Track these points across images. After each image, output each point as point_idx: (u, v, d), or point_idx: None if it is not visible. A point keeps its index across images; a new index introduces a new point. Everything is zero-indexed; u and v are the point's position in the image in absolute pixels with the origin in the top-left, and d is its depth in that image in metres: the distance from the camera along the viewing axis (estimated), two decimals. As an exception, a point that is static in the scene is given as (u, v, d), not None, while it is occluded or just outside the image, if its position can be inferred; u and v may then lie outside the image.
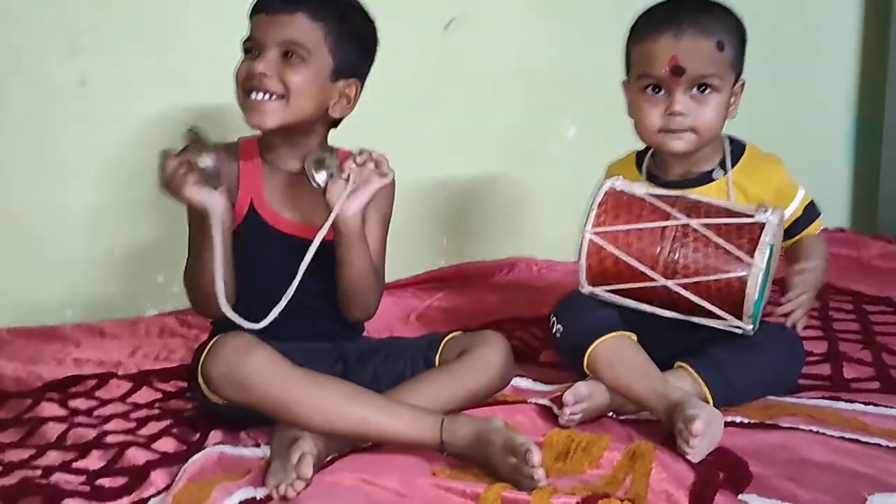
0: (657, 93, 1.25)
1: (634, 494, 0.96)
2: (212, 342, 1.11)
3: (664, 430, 1.09)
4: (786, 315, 1.25)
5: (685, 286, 1.17)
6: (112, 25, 1.65)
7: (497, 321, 1.58)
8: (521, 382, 1.30)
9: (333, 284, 1.24)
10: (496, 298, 1.76)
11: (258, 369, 1.06)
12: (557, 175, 2.08)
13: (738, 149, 1.33)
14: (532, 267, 1.97)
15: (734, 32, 1.27)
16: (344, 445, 1.09)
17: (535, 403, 1.20)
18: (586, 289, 1.23)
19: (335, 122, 1.31)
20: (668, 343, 1.21)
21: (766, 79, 2.40)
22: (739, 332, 1.19)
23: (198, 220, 1.16)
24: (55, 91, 1.63)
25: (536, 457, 0.96)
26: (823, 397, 1.24)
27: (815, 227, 1.34)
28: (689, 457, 1.02)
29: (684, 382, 1.16)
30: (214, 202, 1.13)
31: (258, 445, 1.13)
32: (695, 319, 1.20)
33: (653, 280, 1.19)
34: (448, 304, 1.74)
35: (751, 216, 1.17)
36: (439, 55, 1.97)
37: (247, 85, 1.20)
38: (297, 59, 1.21)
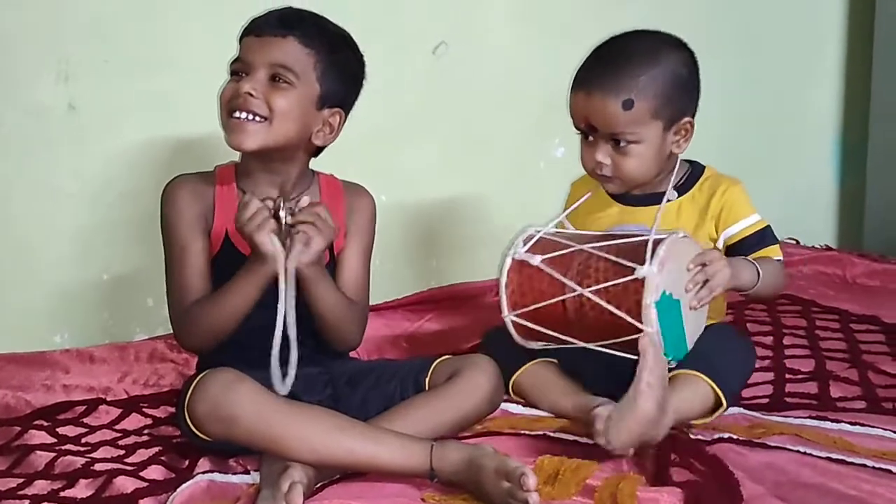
0: (589, 139, 1.31)
1: (623, 517, 0.96)
2: (197, 379, 1.11)
3: (659, 460, 1.09)
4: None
5: (604, 346, 1.21)
6: (101, 50, 1.66)
7: (482, 340, 1.58)
8: (510, 407, 1.29)
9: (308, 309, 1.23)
10: (487, 319, 1.76)
11: (243, 405, 1.06)
12: (546, 195, 2.08)
13: (696, 172, 1.36)
14: (521, 287, 1.98)
15: (655, 83, 1.26)
16: (334, 473, 1.09)
17: (541, 436, 1.19)
18: (531, 345, 1.28)
19: (317, 151, 1.31)
20: (605, 368, 1.23)
21: (750, 98, 2.44)
22: (671, 364, 1.20)
23: (253, 266, 1.14)
24: (44, 115, 1.63)
25: (532, 480, 0.96)
26: (810, 416, 1.24)
27: (771, 251, 1.32)
28: (607, 447, 1.06)
29: (692, 385, 1.19)
30: (280, 254, 1.12)
31: (247, 472, 1.12)
32: (628, 356, 1.19)
33: (576, 344, 1.23)
34: (438, 326, 1.74)
35: (633, 270, 1.15)
36: (428, 78, 1.98)
37: (231, 105, 1.21)
38: (285, 83, 1.21)
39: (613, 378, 1.18)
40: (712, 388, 1.20)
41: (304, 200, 1.17)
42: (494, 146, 2.07)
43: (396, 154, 1.90)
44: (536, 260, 1.23)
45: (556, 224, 1.33)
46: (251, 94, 1.19)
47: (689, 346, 1.22)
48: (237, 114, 1.20)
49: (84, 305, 1.70)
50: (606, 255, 1.19)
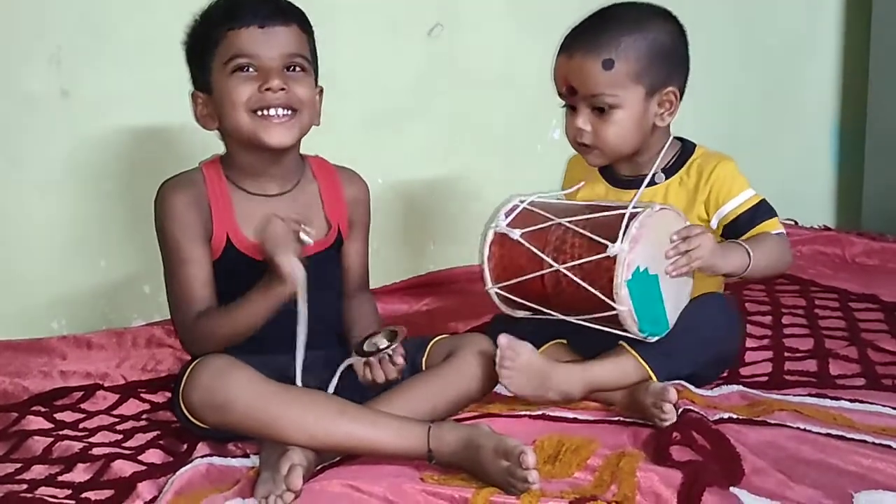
0: (572, 109, 1.30)
1: (623, 496, 0.96)
2: (191, 367, 1.11)
3: (659, 438, 1.09)
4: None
5: (582, 320, 1.21)
6: (94, 36, 1.65)
7: (485, 325, 1.58)
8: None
9: (325, 300, 1.25)
10: (484, 303, 1.76)
11: (238, 391, 1.06)
12: (543, 177, 2.08)
13: (687, 151, 1.34)
14: (519, 270, 1.98)
15: (637, 45, 1.24)
16: (334, 455, 1.09)
17: (541, 416, 1.20)
18: (516, 313, 1.29)
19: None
20: (599, 337, 1.23)
21: (748, 79, 2.43)
22: (650, 340, 1.20)
23: (271, 285, 1.12)
24: (37, 102, 1.62)
25: (531, 458, 0.96)
26: (810, 394, 1.24)
27: (768, 226, 1.27)
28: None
29: (626, 361, 1.20)
30: (301, 276, 1.11)
31: (247, 455, 1.12)
32: (606, 329, 1.21)
33: (557, 316, 1.24)
34: (436, 309, 1.74)
35: (605, 247, 1.14)
36: (424, 60, 1.97)
37: (259, 102, 1.18)
38: (300, 72, 1.21)
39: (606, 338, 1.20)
40: (640, 363, 1.19)
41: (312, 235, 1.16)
42: (491, 128, 2.06)
43: (393, 137, 1.89)
44: (516, 234, 1.23)
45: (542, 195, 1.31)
46: (285, 90, 1.18)
47: (672, 320, 1.20)
48: (270, 111, 1.18)
49: (81, 292, 1.69)
50: (582, 231, 1.18)
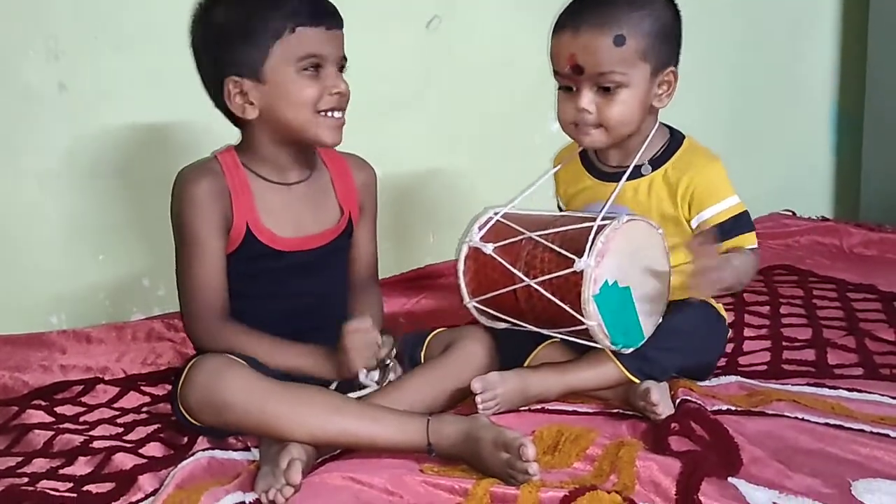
0: (570, 90, 1.25)
1: (622, 486, 0.96)
2: (187, 367, 1.11)
3: (658, 428, 1.10)
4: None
5: (559, 333, 1.21)
6: (91, 29, 1.64)
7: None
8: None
9: (337, 289, 1.26)
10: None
11: (234, 391, 1.06)
12: (541, 169, 2.08)
13: (675, 142, 1.30)
14: (519, 262, 1.98)
15: (645, 22, 1.21)
16: (333, 449, 1.09)
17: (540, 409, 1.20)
18: (495, 325, 1.28)
19: None
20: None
21: (747, 69, 2.42)
22: (624, 351, 1.19)
23: (325, 363, 1.16)
24: (34, 96, 1.62)
25: (531, 450, 0.97)
26: (808, 384, 1.25)
27: (744, 240, 1.24)
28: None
29: (605, 363, 1.19)
30: (370, 386, 1.17)
31: (248, 449, 1.12)
32: (583, 343, 1.20)
33: (534, 330, 1.23)
34: (435, 302, 1.74)
35: (572, 262, 1.14)
36: (423, 52, 1.97)
37: (328, 105, 1.20)
38: (342, 71, 1.24)
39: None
40: (619, 367, 1.18)
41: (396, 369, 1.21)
42: (489, 120, 2.05)
43: (391, 129, 1.89)
44: (489, 248, 1.22)
45: (515, 205, 1.30)
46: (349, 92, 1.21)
47: (647, 330, 1.19)
48: (337, 114, 1.21)
49: (80, 286, 1.69)
50: (551, 245, 1.18)
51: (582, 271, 1.13)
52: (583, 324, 1.14)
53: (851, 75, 2.56)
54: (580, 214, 1.24)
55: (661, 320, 1.21)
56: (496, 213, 1.27)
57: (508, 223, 1.25)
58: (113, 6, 1.65)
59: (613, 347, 1.17)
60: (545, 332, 1.22)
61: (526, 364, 1.27)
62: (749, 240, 1.25)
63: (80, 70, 1.63)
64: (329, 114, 1.21)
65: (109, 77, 1.65)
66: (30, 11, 1.59)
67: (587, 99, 1.22)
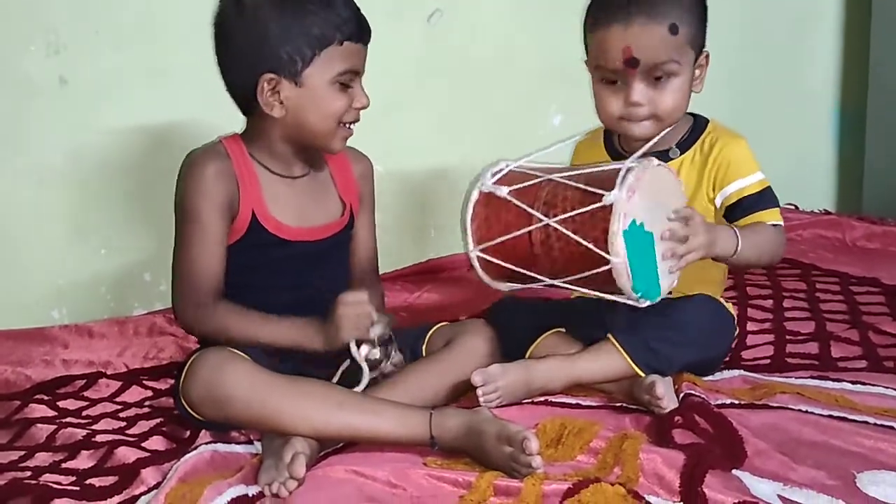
0: (615, 83, 1.22)
1: (626, 478, 0.96)
2: (189, 362, 1.11)
3: (661, 421, 1.09)
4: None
5: (571, 282, 1.16)
6: (93, 24, 1.64)
7: (485, 312, 1.58)
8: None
9: (338, 283, 1.26)
10: (485, 290, 1.75)
11: (236, 385, 1.06)
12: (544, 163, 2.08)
13: (700, 125, 1.30)
14: (520, 256, 1.97)
15: (692, 9, 1.21)
16: (337, 442, 1.09)
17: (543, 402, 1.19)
18: (501, 286, 1.23)
19: None
20: (598, 324, 1.22)
21: (751, 62, 2.42)
22: (642, 303, 1.15)
23: (315, 334, 1.15)
24: (35, 90, 1.62)
25: (534, 444, 0.96)
26: (812, 376, 1.24)
27: (768, 215, 1.24)
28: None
29: (612, 355, 1.18)
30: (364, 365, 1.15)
31: (251, 442, 1.12)
32: (595, 294, 1.17)
33: (543, 280, 1.18)
34: (437, 296, 1.74)
35: (600, 197, 1.09)
36: (423, 46, 1.96)
37: (352, 119, 1.23)
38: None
39: (601, 324, 1.19)
40: (626, 359, 1.17)
41: (397, 357, 1.20)
42: (491, 115, 2.05)
43: (393, 123, 1.88)
44: (504, 191, 1.17)
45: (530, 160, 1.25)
46: None
47: (664, 289, 1.14)
48: (353, 126, 1.24)
49: (82, 281, 1.69)
50: (575, 184, 1.13)
51: (611, 205, 1.07)
52: (604, 264, 1.08)
53: (854, 69, 2.55)
54: (603, 165, 1.19)
55: (675, 283, 1.16)
56: (508, 164, 1.22)
57: (525, 170, 1.21)
58: (113, 2, 1.65)
59: (633, 294, 1.11)
60: (556, 282, 1.16)
61: (527, 355, 1.26)
62: (772, 215, 1.24)
63: (81, 65, 1.63)
64: (348, 126, 1.23)
65: (110, 72, 1.65)
66: (30, 6, 1.59)
67: (639, 91, 1.20)
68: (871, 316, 1.51)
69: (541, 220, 1.13)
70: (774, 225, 1.24)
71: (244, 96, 1.22)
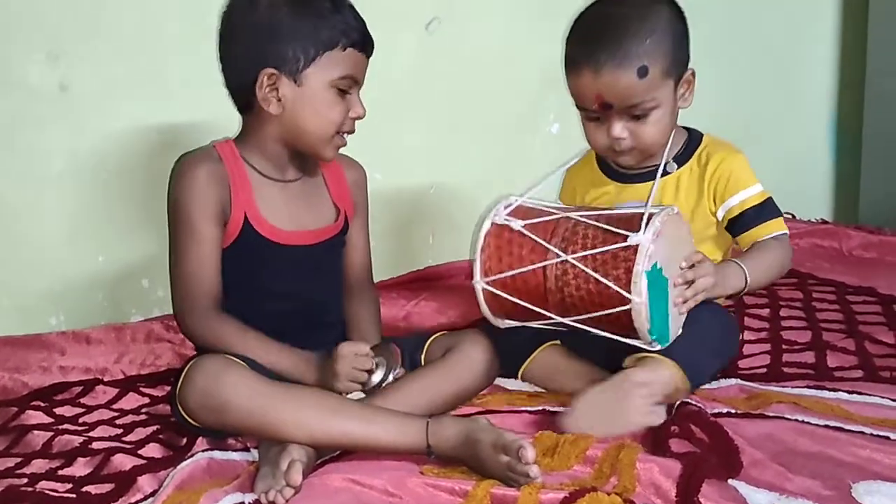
0: (598, 118, 1.25)
1: (622, 488, 0.96)
2: (186, 369, 1.11)
3: (657, 431, 1.09)
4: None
5: (582, 322, 1.15)
6: (92, 30, 1.64)
7: (483, 321, 1.58)
8: (506, 382, 1.30)
9: (333, 289, 1.27)
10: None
11: (233, 392, 1.06)
12: (541, 171, 2.08)
13: (695, 139, 1.32)
14: (518, 264, 1.98)
15: (661, 44, 1.21)
16: (334, 450, 1.09)
17: (541, 411, 1.19)
18: (501, 323, 1.23)
19: None
20: (594, 338, 1.19)
21: (747, 73, 2.43)
22: (654, 346, 1.14)
23: (313, 372, 1.16)
24: (35, 96, 1.62)
25: (530, 453, 0.96)
26: (808, 386, 1.25)
27: (769, 228, 1.27)
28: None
29: (661, 369, 1.13)
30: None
31: (247, 449, 1.12)
32: (605, 335, 1.16)
33: (551, 318, 1.18)
34: (435, 304, 1.74)
35: (626, 237, 1.10)
36: (421, 55, 1.97)
37: (348, 128, 1.24)
38: None
39: (611, 356, 1.17)
40: (682, 374, 1.15)
41: (400, 372, 1.21)
42: (489, 123, 2.06)
43: (390, 131, 1.88)
44: (518, 224, 1.17)
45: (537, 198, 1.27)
46: None
47: (672, 335, 1.14)
48: (348, 136, 1.25)
49: (79, 287, 1.69)
50: (596, 223, 1.14)
51: (636, 246, 1.08)
52: (624, 304, 1.08)
53: (851, 79, 2.56)
54: (622, 207, 1.20)
55: (680, 332, 1.16)
56: (517, 199, 1.23)
57: (537, 206, 1.21)
58: (112, 8, 1.66)
59: (648, 337, 1.11)
60: (565, 320, 1.15)
61: (523, 368, 1.26)
62: (776, 226, 1.26)
63: (81, 71, 1.63)
64: (343, 135, 1.24)
65: (110, 78, 1.65)
66: (30, 12, 1.59)
67: (619, 128, 1.23)
68: (867, 325, 1.51)
69: (558, 256, 1.14)
70: (778, 235, 1.26)
71: (242, 90, 1.22)
